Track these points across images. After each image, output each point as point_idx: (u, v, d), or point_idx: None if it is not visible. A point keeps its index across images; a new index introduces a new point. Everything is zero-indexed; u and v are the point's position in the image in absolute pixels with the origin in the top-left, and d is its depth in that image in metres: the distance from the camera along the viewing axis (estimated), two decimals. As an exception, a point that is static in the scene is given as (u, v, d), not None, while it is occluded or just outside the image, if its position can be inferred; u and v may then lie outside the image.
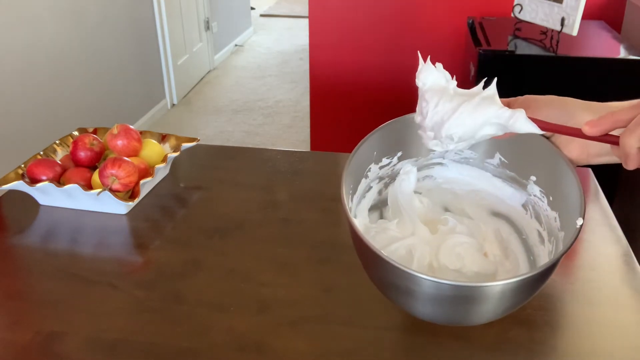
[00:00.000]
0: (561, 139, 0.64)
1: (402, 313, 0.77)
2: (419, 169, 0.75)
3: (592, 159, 0.65)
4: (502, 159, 0.72)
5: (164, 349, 0.72)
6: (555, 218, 0.67)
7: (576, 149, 0.64)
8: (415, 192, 0.75)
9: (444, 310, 0.61)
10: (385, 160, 0.72)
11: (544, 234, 0.69)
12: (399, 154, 0.73)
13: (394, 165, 0.73)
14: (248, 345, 0.72)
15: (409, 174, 0.72)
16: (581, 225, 0.58)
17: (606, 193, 1.05)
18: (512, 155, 0.71)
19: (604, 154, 0.63)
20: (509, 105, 0.62)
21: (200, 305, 0.79)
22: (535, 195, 0.71)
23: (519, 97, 0.66)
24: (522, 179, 0.72)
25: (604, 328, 0.74)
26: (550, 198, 0.67)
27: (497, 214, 0.76)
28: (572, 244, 0.56)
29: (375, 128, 0.69)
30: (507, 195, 0.71)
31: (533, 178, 0.71)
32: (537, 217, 0.71)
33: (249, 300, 0.79)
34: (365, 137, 0.68)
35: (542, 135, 0.64)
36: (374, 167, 0.73)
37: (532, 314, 0.76)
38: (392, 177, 0.74)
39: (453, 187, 0.75)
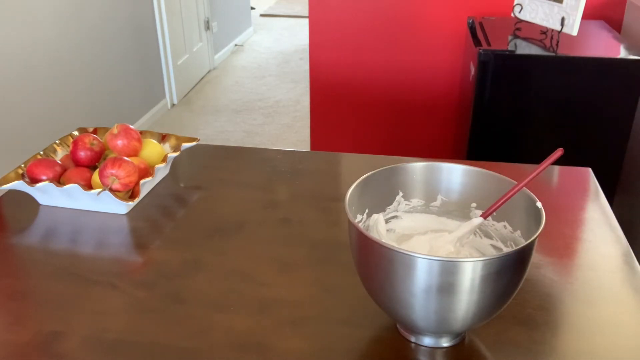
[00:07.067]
0: None
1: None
2: None
3: None
4: (444, 198, 0.80)
5: (164, 349, 0.72)
6: (505, 226, 0.75)
7: None
8: None
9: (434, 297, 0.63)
10: (359, 217, 0.76)
11: (499, 244, 0.76)
12: (367, 210, 0.77)
13: (364, 221, 0.77)
14: (248, 345, 0.72)
15: (378, 220, 0.76)
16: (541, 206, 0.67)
17: (606, 193, 1.05)
18: (451, 193, 0.80)
19: None
20: None
21: (200, 305, 0.79)
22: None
23: None
24: (464, 209, 0.79)
25: (604, 328, 0.74)
26: (494, 213, 0.71)
27: None
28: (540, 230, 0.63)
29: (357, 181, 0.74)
30: (454, 227, 0.75)
31: (474, 204, 0.78)
32: (487, 235, 0.78)
33: (249, 300, 0.80)
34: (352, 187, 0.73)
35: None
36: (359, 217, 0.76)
37: (532, 314, 0.76)
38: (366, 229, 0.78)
39: (412, 233, 0.79)
